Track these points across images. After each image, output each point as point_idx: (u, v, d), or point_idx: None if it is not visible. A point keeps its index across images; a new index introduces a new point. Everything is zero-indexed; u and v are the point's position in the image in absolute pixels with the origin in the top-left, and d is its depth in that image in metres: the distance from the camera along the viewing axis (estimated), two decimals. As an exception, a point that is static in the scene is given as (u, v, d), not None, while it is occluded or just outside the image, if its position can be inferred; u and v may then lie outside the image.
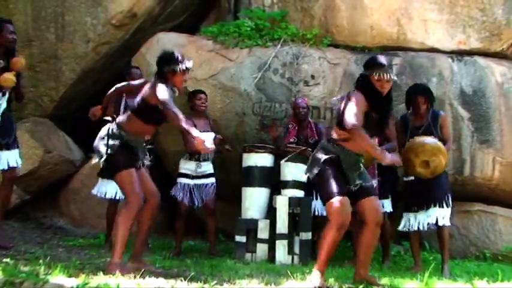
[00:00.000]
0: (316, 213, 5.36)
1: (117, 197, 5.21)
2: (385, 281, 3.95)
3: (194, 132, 3.44)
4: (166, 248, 5.51)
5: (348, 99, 3.57)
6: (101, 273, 3.44)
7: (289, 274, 3.92)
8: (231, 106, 6.07)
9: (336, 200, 3.50)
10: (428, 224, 4.89)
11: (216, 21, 7.02)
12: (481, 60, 6.27)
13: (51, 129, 6.59)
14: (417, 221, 4.92)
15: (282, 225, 5.09)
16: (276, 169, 5.35)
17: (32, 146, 6.15)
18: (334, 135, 3.67)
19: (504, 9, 6.29)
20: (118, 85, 4.12)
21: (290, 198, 5.15)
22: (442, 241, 4.93)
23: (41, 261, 3.63)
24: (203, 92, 5.59)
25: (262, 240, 5.14)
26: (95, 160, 3.80)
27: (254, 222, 5.19)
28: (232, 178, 5.69)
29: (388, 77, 3.55)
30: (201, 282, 3.41)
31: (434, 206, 4.84)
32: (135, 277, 3.35)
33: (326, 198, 3.57)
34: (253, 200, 5.29)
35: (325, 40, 6.41)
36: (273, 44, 6.28)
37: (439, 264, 4.98)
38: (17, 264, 3.55)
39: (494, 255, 5.88)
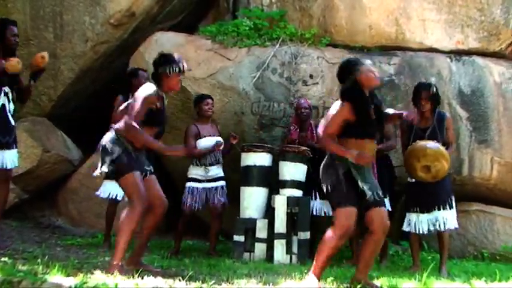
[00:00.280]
0: (315, 212, 5.36)
1: (118, 198, 5.21)
2: (383, 280, 3.95)
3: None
4: (165, 247, 5.50)
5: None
6: (99, 272, 3.44)
7: (288, 274, 3.93)
8: (230, 105, 6.07)
9: (344, 210, 3.51)
10: (432, 228, 4.88)
11: (214, 20, 7.02)
12: (479, 60, 6.28)
13: (49, 129, 6.58)
14: (420, 222, 4.91)
15: (281, 224, 5.10)
16: (274, 169, 5.35)
17: (30, 145, 6.15)
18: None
19: (502, 9, 6.31)
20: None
21: (288, 198, 5.15)
22: (442, 242, 4.92)
23: (39, 260, 3.63)
24: (210, 97, 5.58)
25: (261, 240, 5.15)
26: (99, 170, 3.75)
27: (252, 222, 5.19)
28: (230, 177, 5.69)
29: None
30: (199, 281, 3.41)
31: (439, 209, 4.84)
32: (133, 277, 3.35)
33: (336, 204, 3.56)
34: (252, 200, 5.29)
35: (324, 40, 6.41)
36: (271, 44, 6.28)
37: (437, 264, 4.98)
38: (15, 263, 3.55)
39: (492, 255, 5.88)
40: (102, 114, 5.43)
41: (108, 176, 5.22)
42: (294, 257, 5.05)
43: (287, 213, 5.11)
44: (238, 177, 5.43)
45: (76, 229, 6.26)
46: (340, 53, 6.28)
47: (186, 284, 3.29)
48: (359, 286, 3.55)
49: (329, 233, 3.51)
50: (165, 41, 6.25)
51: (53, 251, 4.66)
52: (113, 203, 5.34)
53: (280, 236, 5.07)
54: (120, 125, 3.71)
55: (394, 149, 5.42)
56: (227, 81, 6.10)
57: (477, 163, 6.03)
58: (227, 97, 6.06)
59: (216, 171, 5.45)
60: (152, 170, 3.89)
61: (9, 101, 4.52)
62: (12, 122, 4.56)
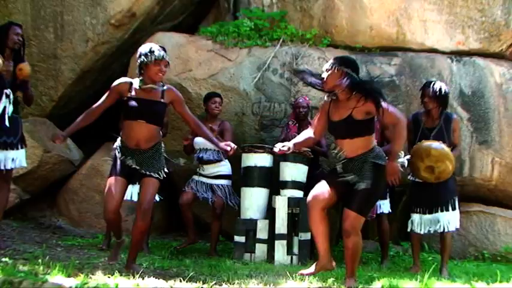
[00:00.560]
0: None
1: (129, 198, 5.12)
2: (383, 281, 3.94)
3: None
4: (165, 247, 5.50)
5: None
6: (100, 272, 3.44)
7: (288, 274, 3.93)
8: (230, 106, 6.07)
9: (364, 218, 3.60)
10: (434, 229, 4.87)
11: (215, 21, 7.02)
12: (480, 61, 6.28)
13: (50, 129, 6.57)
14: (423, 223, 4.90)
15: (281, 225, 5.10)
16: (275, 169, 5.35)
17: (31, 146, 6.12)
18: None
19: (503, 10, 6.30)
20: None
21: (289, 199, 5.15)
22: (444, 244, 4.90)
23: (39, 260, 3.63)
24: (218, 95, 5.58)
25: (261, 241, 5.15)
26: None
27: (253, 223, 5.19)
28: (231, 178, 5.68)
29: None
30: (200, 282, 3.41)
31: (441, 210, 4.83)
32: (134, 277, 3.35)
33: (365, 212, 3.62)
34: (253, 200, 5.29)
35: (325, 40, 6.41)
36: (272, 44, 6.29)
37: (438, 264, 4.98)
38: (16, 263, 3.55)
39: (493, 256, 5.88)
40: (102, 114, 5.42)
41: None
42: (294, 257, 5.05)
43: (288, 213, 5.12)
44: (239, 177, 5.43)
45: (77, 229, 6.25)
46: (341, 53, 6.27)
47: (187, 285, 3.29)
48: (360, 286, 3.55)
49: (352, 239, 3.52)
50: (166, 41, 6.23)
51: (53, 252, 4.67)
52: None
53: (281, 236, 5.07)
54: None
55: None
56: (228, 81, 6.10)
57: (478, 164, 6.03)
58: (228, 98, 6.05)
59: (215, 169, 5.43)
60: (148, 173, 3.82)
61: (9, 103, 4.53)
62: (7, 123, 4.52)
